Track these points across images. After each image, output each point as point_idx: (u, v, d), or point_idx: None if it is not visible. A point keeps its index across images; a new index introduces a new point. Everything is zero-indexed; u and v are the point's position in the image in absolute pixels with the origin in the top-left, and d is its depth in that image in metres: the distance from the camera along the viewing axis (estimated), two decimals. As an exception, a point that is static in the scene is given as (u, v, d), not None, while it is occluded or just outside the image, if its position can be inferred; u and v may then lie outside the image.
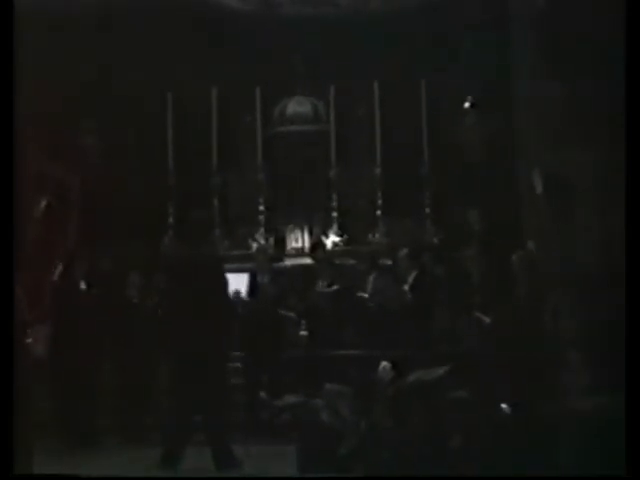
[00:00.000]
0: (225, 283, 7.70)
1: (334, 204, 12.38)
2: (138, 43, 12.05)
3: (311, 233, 12.46)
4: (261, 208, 12.39)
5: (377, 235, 12.22)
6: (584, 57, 8.30)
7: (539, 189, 9.90)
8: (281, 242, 12.45)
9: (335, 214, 12.36)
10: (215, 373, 7.52)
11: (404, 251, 10.68)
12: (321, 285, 10.38)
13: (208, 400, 7.51)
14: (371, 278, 10.58)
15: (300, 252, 12.19)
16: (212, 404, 7.55)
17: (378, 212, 12.25)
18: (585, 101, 8.33)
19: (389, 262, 11.24)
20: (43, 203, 10.83)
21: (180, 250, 9.22)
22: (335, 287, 10.19)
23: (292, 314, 10.07)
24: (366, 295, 10.27)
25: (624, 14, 5.99)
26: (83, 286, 9.49)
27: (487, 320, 9.15)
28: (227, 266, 8.25)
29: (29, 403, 5.28)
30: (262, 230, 12.33)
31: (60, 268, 9.44)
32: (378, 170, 12.28)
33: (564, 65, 8.66)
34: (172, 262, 8.79)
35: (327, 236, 12.28)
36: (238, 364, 9.44)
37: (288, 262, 12.13)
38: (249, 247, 12.11)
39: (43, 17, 10.32)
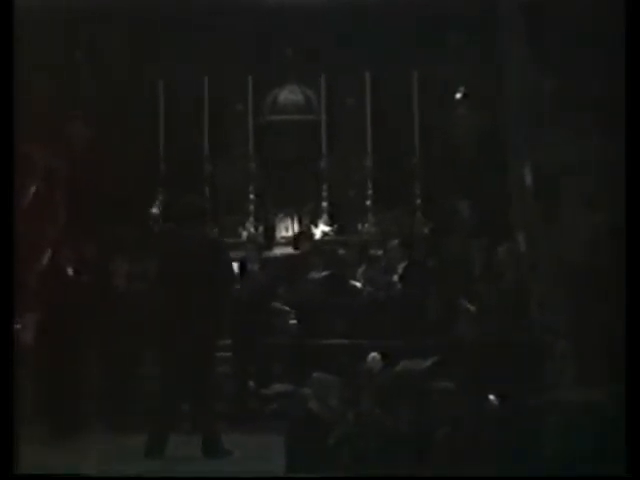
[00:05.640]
0: (216, 269, 7.66)
1: (324, 194, 12.39)
2: (129, 30, 12.05)
3: (301, 222, 12.47)
4: (251, 197, 12.38)
5: (367, 225, 12.23)
6: (577, 50, 8.30)
7: (529, 181, 9.92)
8: (271, 231, 12.46)
9: (325, 204, 12.37)
10: (204, 361, 7.53)
11: (394, 241, 10.71)
12: (311, 274, 10.40)
13: (197, 388, 7.52)
14: (360, 269, 10.61)
15: (290, 241, 12.19)
16: (201, 392, 7.56)
17: (368, 202, 12.26)
18: (577, 94, 8.34)
19: (379, 252, 11.27)
20: (31, 189, 10.79)
21: (170, 235, 9.18)
22: (325, 273, 10.19)
23: (285, 307, 10.07)
24: (358, 284, 10.29)
25: (622, 7, 6.00)
26: (71, 272, 9.47)
27: (472, 309, 9.19)
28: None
29: (19, 390, 5.27)
30: (252, 219, 12.33)
31: (48, 254, 9.41)
32: (369, 160, 12.29)
33: (556, 58, 8.66)
34: (161, 248, 8.74)
35: (317, 225, 12.29)
36: (227, 353, 9.43)
37: (278, 251, 12.14)
38: (239, 235, 12.12)
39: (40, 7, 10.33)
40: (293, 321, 9.99)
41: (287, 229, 12.53)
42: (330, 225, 12.29)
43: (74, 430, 8.69)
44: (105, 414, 9.26)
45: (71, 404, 9.02)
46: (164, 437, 7.38)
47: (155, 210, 12.08)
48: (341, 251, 11.18)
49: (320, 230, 12.21)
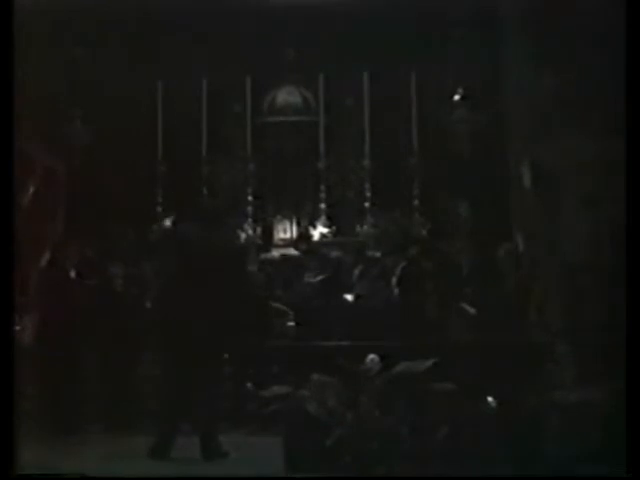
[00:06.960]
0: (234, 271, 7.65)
1: (323, 195, 12.38)
2: (128, 31, 12.04)
3: (299, 224, 12.46)
4: (249, 198, 12.37)
5: (365, 226, 12.22)
6: (577, 50, 8.32)
7: (528, 182, 9.93)
8: (269, 232, 12.45)
9: (323, 205, 12.36)
10: (204, 363, 7.51)
11: (392, 243, 10.71)
12: (308, 276, 10.40)
13: (196, 390, 7.51)
14: (357, 271, 10.61)
15: (288, 243, 12.19)
16: (200, 394, 7.54)
17: (367, 203, 12.25)
18: (577, 94, 8.35)
19: (377, 254, 11.27)
20: (31, 189, 10.77)
21: (173, 238, 9.16)
22: (321, 277, 10.19)
23: (284, 308, 10.06)
24: (350, 298, 10.28)
25: (622, 7, 6.01)
26: (73, 275, 9.46)
27: (472, 311, 9.19)
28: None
29: (18, 390, 5.27)
30: (250, 220, 12.31)
31: (48, 256, 9.39)
32: (367, 161, 12.28)
33: (556, 58, 8.67)
34: (162, 251, 8.74)
35: (315, 227, 12.28)
36: (225, 354, 9.41)
37: (276, 253, 12.13)
38: (237, 237, 12.09)
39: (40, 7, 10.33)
40: (291, 323, 9.99)
41: (285, 231, 12.52)
42: (328, 226, 12.28)
43: (74, 430, 8.69)
44: (105, 414, 9.25)
45: (71, 404, 9.02)
46: (171, 439, 7.37)
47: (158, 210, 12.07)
48: (339, 253, 11.18)
49: (318, 231, 12.20)
